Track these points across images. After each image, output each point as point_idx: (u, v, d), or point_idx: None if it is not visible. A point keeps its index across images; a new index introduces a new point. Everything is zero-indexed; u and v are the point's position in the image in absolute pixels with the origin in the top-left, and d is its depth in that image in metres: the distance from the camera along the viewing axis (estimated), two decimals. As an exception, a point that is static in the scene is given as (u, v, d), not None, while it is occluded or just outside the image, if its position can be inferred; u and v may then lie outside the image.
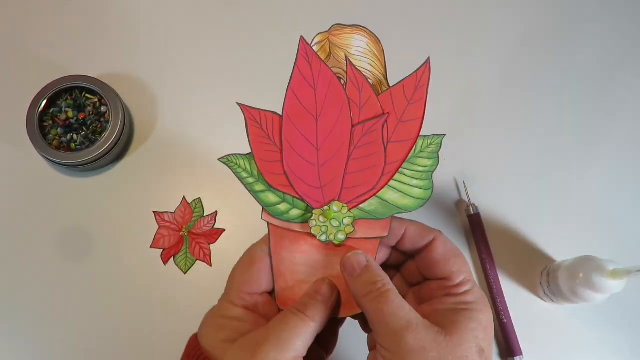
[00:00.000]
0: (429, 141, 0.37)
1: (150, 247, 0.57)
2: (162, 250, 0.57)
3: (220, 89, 0.62)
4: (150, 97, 0.62)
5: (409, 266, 0.41)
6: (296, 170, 0.37)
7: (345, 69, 0.37)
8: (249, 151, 0.38)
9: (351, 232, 0.37)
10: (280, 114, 0.37)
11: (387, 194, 0.37)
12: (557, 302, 0.54)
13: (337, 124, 0.36)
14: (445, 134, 0.37)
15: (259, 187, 0.37)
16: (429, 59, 0.36)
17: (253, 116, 0.38)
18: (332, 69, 0.37)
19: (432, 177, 0.37)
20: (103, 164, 0.59)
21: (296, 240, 0.38)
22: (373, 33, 0.41)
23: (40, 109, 0.57)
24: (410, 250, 0.39)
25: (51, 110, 0.58)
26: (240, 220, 0.59)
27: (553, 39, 0.65)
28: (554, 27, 0.65)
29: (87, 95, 0.59)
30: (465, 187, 0.59)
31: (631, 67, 0.64)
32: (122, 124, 0.58)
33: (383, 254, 0.40)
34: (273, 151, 0.37)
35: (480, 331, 0.36)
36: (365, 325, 0.40)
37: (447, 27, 0.65)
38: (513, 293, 0.56)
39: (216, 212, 0.59)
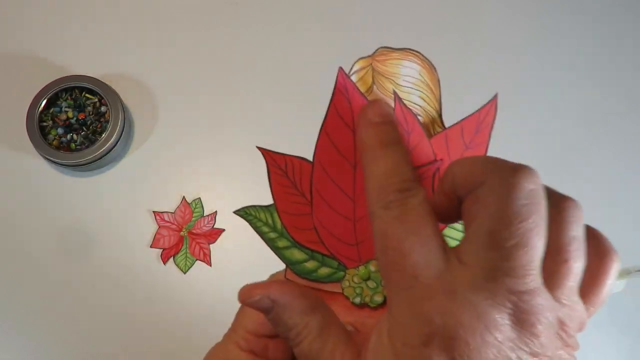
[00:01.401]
0: None
1: (150, 247, 0.57)
2: (162, 250, 0.57)
3: (221, 89, 0.62)
4: (150, 97, 0.62)
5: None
6: (328, 225, 0.32)
7: (392, 105, 0.31)
8: (271, 202, 0.32)
9: None
10: (311, 160, 0.31)
11: None
12: (557, 302, 0.54)
13: None
14: None
15: (282, 243, 0.32)
16: (496, 96, 0.30)
17: (277, 162, 0.32)
18: None
19: None
20: (103, 164, 0.59)
21: (325, 300, 0.32)
22: (427, 59, 0.35)
23: (40, 109, 0.57)
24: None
25: (51, 110, 0.58)
26: (240, 220, 0.58)
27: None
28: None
29: (87, 95, 0.59)
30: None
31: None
32: (122, 124, 0.58)
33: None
34: (300, 203, 0.32)
35: None
36: None
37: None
38: (513, 293, 0.56)
39: (216, 212, 0.59)
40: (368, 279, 0.32)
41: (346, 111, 0.30)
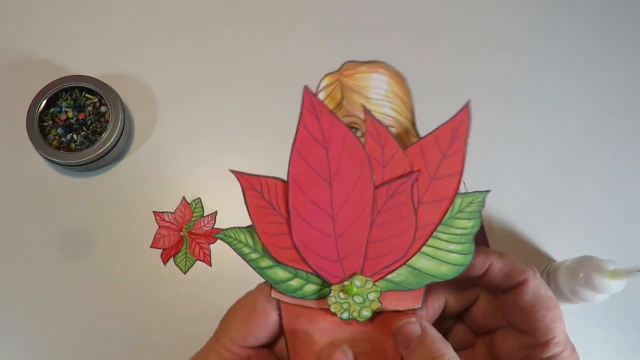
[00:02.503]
0: (470, 199, 0.32)
1: (150, 247, 0.57)
2: (162, 250, 0.57)
3: (221, 89, 0.62)
4: (150, 97, 0.62)
5: (476, 312, 0.34)
6: (309, 243, 0.31)
7: (363, 118, 0.31)
8: (250, 223, 0.32)
9: (378, 308, 0.32)
10: (286, 179, 0.31)
11: (420, 261, 0.31)
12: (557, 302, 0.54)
13: (356, 187, 0.31)
14: (489, 190, 0.31)
15: (264, 263, 0.32)
16: (469, 102, 0.30)
17: (251, 184, 0.32)
18: (345, 118, 0.32)
19: (473, 240, 0.31)
20: (103, 164, 0.59)
21: (314, 318, 0.33)
22: (396, 70, 0.34)
23: (40, 109, 0.57)
24: (494, 289, 0.32)
25: (51, 110, 0.58)
26: (240, 220, 0.58)
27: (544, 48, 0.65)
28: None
29: (87, 95, 0.59)
30: (465, 186, 0.59)
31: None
32: (122, 124, 0.58)
33: (439, 304, 0.33)
34: (279, 222, 0.31)
35: None
36: None
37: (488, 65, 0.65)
38: (513, 293, 0.56)
39: (216, 212, 0.59)
40: (354, 294, 0.31)
41: (316, 128, 0.30)
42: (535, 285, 0.30)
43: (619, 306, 0.55)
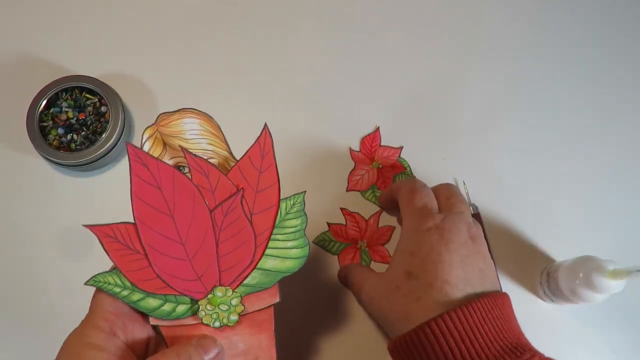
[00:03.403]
0: (292, 202, 0.37)
1: (150, 247, 0.57)
2: (162, 250, 0.57)
3: (221, 89, 0.62)
4: (150, 97, 0.62)
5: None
6: (169, 270, 0.36)
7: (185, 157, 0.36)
8: (113, 266, 0.37)
9: (242, 310, 0.36)
10: (133, 221, 0.36)
11: (267, 262, 0.37)
12: (557, 302, 0.54)
13: (195, 214, 0.36)
14: (305, 191, 0.37)
15: (136, 296, 0.36)
16: (266, 125, 0.37)
17: (105, 232, 0.36)
18: (172, 160, 0.38)
19: (305, 234, 0.37)
20: (103, 164, 0.59)
21: (191, 332, 0.37)
22: (202, 112, 0.41)
23: (40, 109, 0.57)
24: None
25: (51, 110, 0.58)
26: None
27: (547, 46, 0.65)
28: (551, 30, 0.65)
29: (87, 95, 0.59)
30: (465, 186, 0.59)
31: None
32: (122, 124, 0.58)
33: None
34: (138, 259, 0.36)
35: (406, 256, 0.42)
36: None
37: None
38: (513, 293, 0.56)
39: (216, 212, 0.59)
40: (219, 303, 0.36)
41: (146, 174, 0.35)
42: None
43: (619, 306, 0.55)
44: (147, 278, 0.36)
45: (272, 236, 0.37)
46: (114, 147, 0.57)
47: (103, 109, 0.58)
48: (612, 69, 0.64)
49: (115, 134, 0.57)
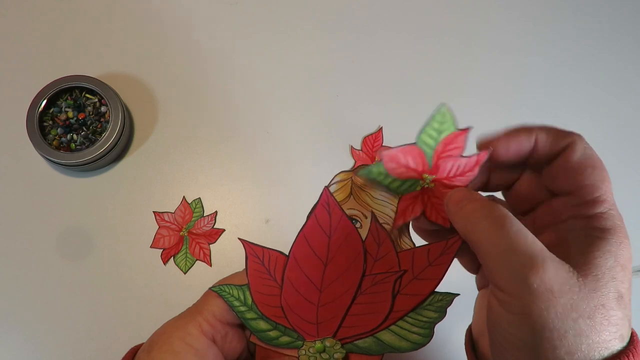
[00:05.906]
0: (440, 297, 0.36)
1: (150, 247, 0.57)
2: (162, 250, 0.57)
3: (221, 89, 0.62)
4: (150, 97, 0.62)
5: (519, 188, 0.34)
6: (293, 306, 0.36)
7: (364, 213, 0.37)
8: (245, 282, 0.37)
9: None
10: (287, 254, 0.36)
11: (385, 335, 0.36)
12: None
13: (347, 272, 0.36)
14: (459, 294, 0.35)
15: (250, 315, 0.37)
16: (459, 237, 0.34)
17: (255, 252, 0.37)
18: (349, 210, 0.37)
19: (434, 327, 0.36)
20: (103, 164, 0.59)
21: (282, 358, 0.37)
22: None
23: (40, 109, 0.57)
24: (542, 162, 0.32)
25: (51, 110, 0.58)
26: (240, 220, 0.59)
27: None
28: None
29: (87, 95, 0.59)
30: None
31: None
32: (122, 124, 0.58)
33: (479, 180, 0.34)
34: (272, 286, 0.37)
35: (618, 271, 0.28)
36: (472, 262, 0.35)
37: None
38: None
39: (216, 212, 0.59)
40: (322, 351, 0.36)
41: (325, 222, 0.36)
42: (582, 146, 0.31)
43: (619, 306, 0.55)
44: (270, 304, 0.37)
45: (404, 317, 0.36)
46: (113, 147, 0.57)
47: (103, 109, 0.58)
48: (614, 69, 0.64)
49: (115, 134, 0.57)
